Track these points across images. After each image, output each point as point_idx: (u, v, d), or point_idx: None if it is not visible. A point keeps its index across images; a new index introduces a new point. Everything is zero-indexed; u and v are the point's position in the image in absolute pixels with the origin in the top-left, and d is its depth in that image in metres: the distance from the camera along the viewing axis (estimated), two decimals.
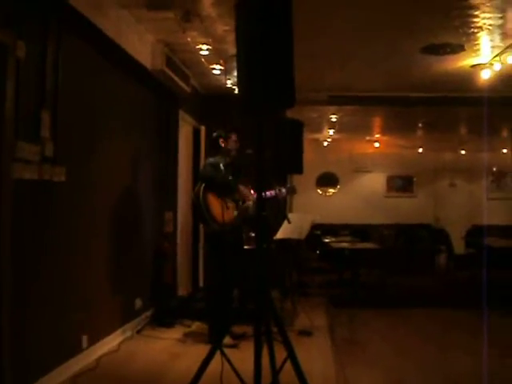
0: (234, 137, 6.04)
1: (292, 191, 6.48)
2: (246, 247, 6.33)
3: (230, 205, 5.90)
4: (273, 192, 6.02)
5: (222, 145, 6.03)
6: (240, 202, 5.96)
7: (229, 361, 3.86)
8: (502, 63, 6.76)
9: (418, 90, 8.71)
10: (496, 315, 7.26)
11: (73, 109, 4.76)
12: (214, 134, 6.17)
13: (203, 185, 5.75)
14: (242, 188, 5.94)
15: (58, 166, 4.38)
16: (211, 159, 6.01)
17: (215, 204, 5.74)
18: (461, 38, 6.15)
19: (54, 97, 4.36)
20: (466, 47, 6.48)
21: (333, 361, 5.40)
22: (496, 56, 6.73)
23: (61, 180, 4.44)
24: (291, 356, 3.71)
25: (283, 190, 6.25)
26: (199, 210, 5.74)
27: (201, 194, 5.70)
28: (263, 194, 5.39)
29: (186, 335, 6.23)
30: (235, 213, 5.92)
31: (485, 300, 7.24)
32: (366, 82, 8.36)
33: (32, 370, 4.11)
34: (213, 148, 6.19)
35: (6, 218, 3.70)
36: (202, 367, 3.77)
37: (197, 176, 6.04)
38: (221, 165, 5.93)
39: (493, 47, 6.48)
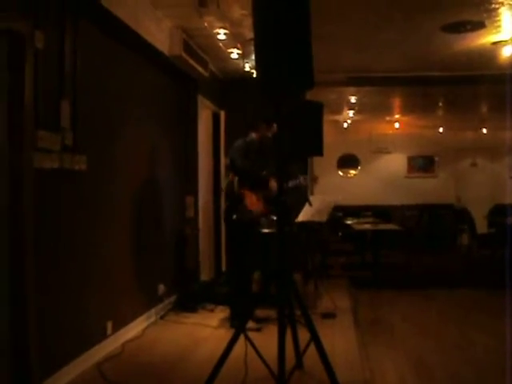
0: (263, 125, 5.95)
1: (314, 180, 6.38)
2: (267, 230, 6.31)
3: (262, 198, 5.88)
4: (296, 182, 5.97)
5: (261, 129, 5.96)
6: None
7: (252, 344, 3.88)
8: None
9: (438, 69, 8.62)
10: None
11: (92, 97, 4.78)
12: (260, 120, 6.04)
13: (236, 178, 5.75)
14: (272, 183, 5.84)
15: (78, 154, 4.40)
16: (239, 142, 5.94)
17: (249, 196, 5.75)
18: (481, 14, 6.06)
19: (73, 86, 4.37)
20: (486, 24, 6.39)
21: (356, 342, 5.40)
22: None
23: (81, 168, 4.47)
24: (314, 339, 3.73)
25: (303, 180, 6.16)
26: (233, 202, 5.77)
27: (235, 187, 5.72)
28: (287, 184, 5.44)
29: (210, 320, 6.25)
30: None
31: (507, 280, 7.19)
32: (386, 62, 8.28)
33: (57, 357, 4.17)
34: (251, 128, 6.08)
35: (28, 207, 3.74)
36: (226, 351, 3.80)
37: (230, 163, 5.96)
38: (251, 152, 5.87)
39: None
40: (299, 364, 4.33)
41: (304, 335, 3.94)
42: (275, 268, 3.86)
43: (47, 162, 3.98)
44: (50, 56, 4.08)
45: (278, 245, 3.91)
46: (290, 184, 5.89)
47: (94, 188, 4.80)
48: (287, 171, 5.02)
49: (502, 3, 5.70)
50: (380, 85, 9.39)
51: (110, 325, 5.08)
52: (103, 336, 4.96)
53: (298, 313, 3.96)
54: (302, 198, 5.48)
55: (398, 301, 7.58)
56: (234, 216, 5.79)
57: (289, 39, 3.53)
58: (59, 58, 4.22)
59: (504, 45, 7.01)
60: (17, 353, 3.69)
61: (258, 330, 5.53)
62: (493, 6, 5.77)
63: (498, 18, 6.19)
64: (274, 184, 5.82)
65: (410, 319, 6.54)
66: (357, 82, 9.19)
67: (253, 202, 5.77)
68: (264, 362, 3.82)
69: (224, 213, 6.23)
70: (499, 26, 6.48)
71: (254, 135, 5.97)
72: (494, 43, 7.10)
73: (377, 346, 5.34)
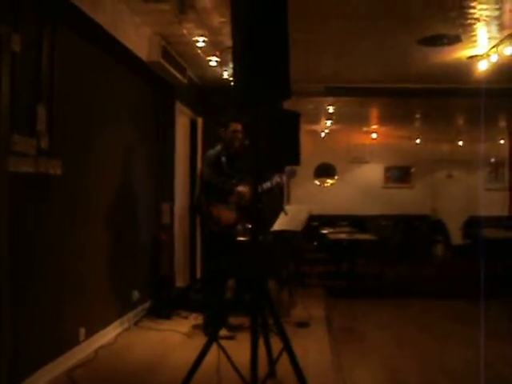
0: (234, 126, 5.87)
1: (291, 174, 6.29)
2: (242, 239, 6.32)
3: (233, 206, 5.87)
4: (269, 184, 5.95)
5: (222, 135, 5.95)
6: (241, 202, 5.87)
7: (225, 352, 3.87)
8: (498, 54, 6.75)
9: (415, 81, 8.70)
10: (492, 306, 7.28)
11: (68, 101, 4.76)
12: (219, 121, 6.02)
13: (203, 193, 5.75)
14: (239, 189, 5.84)
15: (53, 159, 4.38)
16: (211, 152, 5.93)
17: (219, 209, 5.75)
18: (457, 29, 6.14)
19: (50, 90, 4.36)
20: (462, 38, 6.48)
21: (329, 351, 5.42)
22: (493, 47, 6.72)
23: (57, 173, 4.44)
24: (287, 347, 3.73)
25: (283, 177, 6.09)
26: (202, 216, 5.78)
27: (203, 201, 5.73)
28: (260, 186, 5.41)
29: (184, 327, 6.23)
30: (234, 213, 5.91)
31: (482, 291, 7.26)
32: (363, 73, 8.35)
33: (28, 363, 4.12)
34: (217, 137, 6.07)
35: (3, 211, 3.71)
36: (199, 359, 3.79)
37: (194, 174, 5.96)
38: (223, 158, 5.87)
39: (489, 38, 6.47)
40: (272, 372, 4.32)
41: (277, 344, 3.95)
42: (249, 276, 3.87)
43: (22, 166, 3.95)
44: (27, 59, 4.06)
45: (252, 253, 3.92)
46: (264, 186, 5.86)
47: (68, 193, 4.77)
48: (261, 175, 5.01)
49: (478, 19, 5.79)
50: (357, 95, 9.46)
51: (82, 331, 5.04)
52: (76, 342, 4.93)
53: (272, 321, 3.97)
54: (276, 199, 5.46)
55: (372, 310, 7.61)
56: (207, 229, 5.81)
57: (266, 48, 3.55)
58: (36, 62, 4.20)
59: (479, 59, 7.11)
60: None
61: (232, 337, 5.52)
62: (468, 21, 5.86)
63: (473, 33, 6.28)
64: (241, 188, 5.82)
65: (385, 328, 6.57)
66: (334, 92, 9.24)
67: (223, 214, 5.77)
68: (236, 370, 3.82)
69: (199, 222, 6.24)
70: (475, 41, 6.58)
71: (225, 139, 5.95)
72: (470, 57, 7.20)
73: (351, 356, 5.35)
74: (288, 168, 5.93)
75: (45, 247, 4.37)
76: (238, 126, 5.91)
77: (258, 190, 3.93)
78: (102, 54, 5.50)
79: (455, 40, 6.53)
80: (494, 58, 6.84)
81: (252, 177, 3.99)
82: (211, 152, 5.93)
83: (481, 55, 7.03)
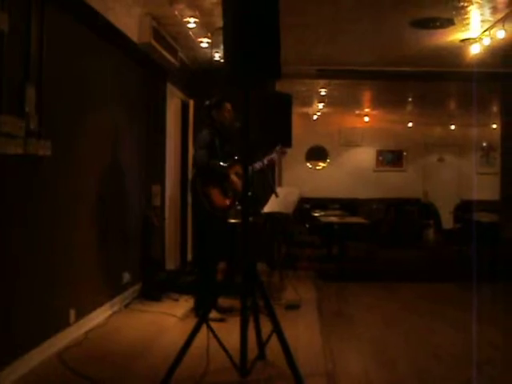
0: (228, 106, 5.89)
1: (283, 153, 6.23)
2: (233, 221, 6.31)
3: (228, 190, 5.85)
4: (260, 163, 5.92)
5: (215, 115, 5.94)
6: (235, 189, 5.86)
7: (215, 334, 3.89)
8: (491, 38, 6.72)
9: (408, 64, 8.68)
10: (483, 289, 7.31)
11: (58, 83, 4.71)
12: (207, 103, 5.97)
13: (199, 176, 5.72)
14: (232, 178, 5.82)
15: (43, 140, 4.34)
16: (204, 135, 5.89)
17: (214, 193, 5.72)
18: (450, 12, 6.12)
19: (39, 70, 4.30)
20: (455, 21, 6.45)
21: (319, 334, 5.44)
22: (485, 30, 6.69)
23: (46, 154, 4.40)
24: (277, 330, 3.75)
25: (274, 155, 6.07)
26: (198, 200, 5.74)
27: (198, 185, 5.69)
28: (252, 166, 5.40)
29: (174, 309, 6.24)
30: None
31: (472, 274, 7.29)
32: (355, 55, 8.32)
33: (19, 345, 4.11)
34: (206, 118, 6.05)
35: None
36: (189, 341, 3.80)
37: (185, 156, 5.91)
38: (216, 141, 5.84)
39: (482, 21, 6.44)
40: (261, 355, 4.33)
41: (268, 326, 3.96)
42: (240, 258, 3.87)
43: (11, 148, 3.91)
44: (15, 39, 4.01)
45: (242, 235, 3.91)
46: (256, 165, 5.83)
47: (58, 174, 4.74)
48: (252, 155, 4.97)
49: (471, 1, 5.76)
50: (350, 78, 9.44)
51: (72, 313, 5.03)
52: (66, 324, 4.92)
53: (262, 304, 3.97)
54: (267, 181, 5.42)
55: (363, 293, 7.63)
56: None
57: (257, 29, 3.54)
58: (25, 42, 4.15)
59: (472, 43, 7.09)
60: None
61: (222, 320, 5.53)
62: (462, 3, 5.83)
63: (466, 16, 6.26)
64: (235, 178, 5.80)
65: (375, 311, 6.59)
66: (326, 74, 9.21)
67: (218, 197, 5.75)
68: (226, 352, 3.83)
69: (192, 206, 6.21)
70: (468, 24, 6.56)
71: (218, 120, 5.92)
72: (463, 41, 7.18)
73: (340, 338, 5.36)
74: (278, 147, 5.90)
75: (34, 229, 4.35)
76: (230, 106, 5.91)
77: (248, 173, 3.92)
78: (93, 34, 5.44)
79: (448, 23, 6.51)
80: (487, 42, 6.82)
81: (243, 158, 3.98)
82: (204, 134, 5.88)
83: (473, 38, 7.01)
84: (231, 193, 5.82)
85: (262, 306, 4.00)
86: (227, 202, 5.82)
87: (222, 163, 5.78)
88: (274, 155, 5.99)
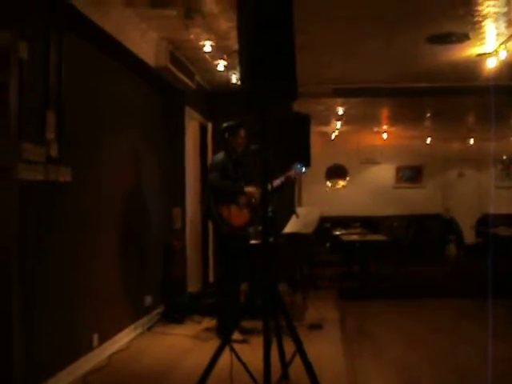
0: (242, 132, 5.92)
1: (300, 171, 6.09)
2: (254, 242, 6.31)
3: (244, 206, 5.86)
4: (278, 181, 5.89)
5: (229, 140, 5.96)
6: (253, 200, 5.86)
7: (238, 356, 3.87)
8: (507, 51, 6.71)
9: (425, 80, 8.67)
10: (506, 305, 7.23)
11: (77, 108, 4.77)
12: (222, 126, 6.01)
13: (212, 198, 5.73)
14: (248, 189, 5.84)
15: (63, 166, 4.39)
16: (217, 158, 5.94)
17: (229, 211, 5.72)
18: (466, 26, 6.10)
19: (58, 97, 4.37)
20: (471, 36, 6.44)
21: (343, 353, 5.40)
22: (501, 44, 6.67)
23: (67, 180, 4.45)
24: (300, 350, 3.72)
25: (291, 172, 5.95)
26: (213, 219, 5.76)
27: (212, 206, 5.70)
28: (270, 184, 5.39)
29: (197, 331, 6.23)
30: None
31: (493, 290, 7.21)
32: (372, 73, 8.32)
33: (43, 370, 4.14)
34: (221, 142, 6.09)
35: (12, 219, 3.72)
36: (212, 363, 3.78)
37: (205, 179, 5.92)
38: (229, 164, 5.86)
39: (498, 35, 6.42)
40: (285, 375, 4.31)
41: (290, 347, 3.94)
42: (261, 279, 3.86)
43: (32, 174, 3.96)
44: (35, 67, 4.07)
45: (263, 256, 3.91)
46: (274, 183, 5.79)
47: (79, 200, 4.79)
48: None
49: (486, 16, 5.75)
50: (366, 96, 9.43)
51: (96, 337, 5.05)
52: (89, 348, 4.94)
53: (284, 324, 3.96)
54: (287, 202, 5.40)
55: (385, 311, 7.58)
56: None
57: (273, 50, 3.55)
58: (44, 69, 4.22)
59: (488, 57, 7.07)
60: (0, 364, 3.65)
61: (244, 341, 5.52)
62: (476, 18, 5.82)
63: (482, 31, 6.24)
64: (250, 189, 5.82)
65: (397, 329, 6.54)
66: (343, 93, 9.22)
67: (234, 215, 5.76)
68: (250, 373, 3.81)
69: (213, 229, 6.22)
70: (483, 39, 6.54)
71: (231, 145, 5.95)
72: (479, 55, 7.16)
73: (363, 357, 5.34)
74: (297, 166, 5.88)
75: (56, 254, 4.39)
76: (244, 133, 5.94)
77: (267, 194, 3.92)
78: (110, 60, 5.52)
79: (464, 38, 6.49)
80: (503, 55, 6.80)
81: (262, 180, 3.98)
82: (217, 159, 5.96)
83: (489, 53, 6.99)
84: (249, 206, 5.83)
85: (285, 326, 3.99)
86: (244, 216, 5.83)
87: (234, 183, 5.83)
88: (291, 172, 5.96)
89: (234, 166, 5.91)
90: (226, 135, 5.94)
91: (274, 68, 3.59)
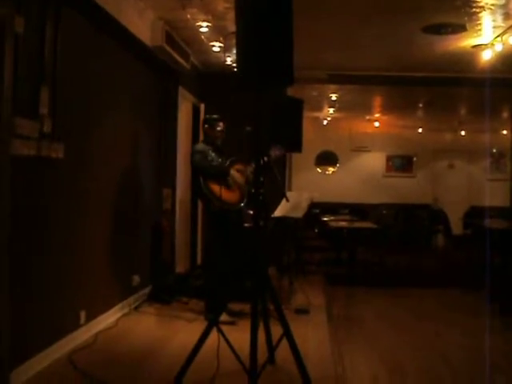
0: (220, 125, 6.01)
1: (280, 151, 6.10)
2: (246, 225, 6.32)
3: (235, 186, 5.87)
4: (277, 151, 5.81)
5: (208, 131, 6.02)
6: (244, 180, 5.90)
7: (225, 337, 3.90)
8: (503, 43, 6.71)
9: (419, 69, 8.68)
10: (491, 296, 7.29)
11: (72, 85, 4.75)
12: (203, 118, 6.12)
13: (201, 178, 5.73)
14: (232, 172, 5.86)
15: (56, 142, 4.37)
16: (198, 146, 6.01)
17: (218, 189, 5.72)
18: (462, 17, 6.10)
19: (53, 72, 4.34)
20: (467, 27, 6.44)
21: (329, 338, 5.44)
22: (498, 36, 6.68)
23: (59, 156, 4.43)
24: (287, 333, 3.76)
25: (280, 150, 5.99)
26: (204, 196, 5.75)
27: (202, 184, 5.69)
28: (272, 154, 5.41)
29: (184, 312, 6.25)
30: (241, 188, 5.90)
31: (481, 281, 7.28)
32: (367, 61, 8.32)
33: (29, 346, 4.14)
34: (208, 123, 6.13)
35: (4, 194, 3.70)
36: (199, 343, 3.82)
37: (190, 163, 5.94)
38: (210, 152, 5.89)
39: (494, 27, 6.42)
40: (271, 359, 4.34)
41: (277, 330, 3.97)
42: (251, 262, 3.88)
43: (24, 149, 3.95)
44: (31, 42, 4.04)
45: (253, 239, 3.93)
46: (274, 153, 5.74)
47: (70, 176, 4.77)
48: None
49: (483, 7, 5.75)
50: (361, 83, 9.43)
51: (83, 314, 5.06)
52: (76, 326, 4.94)
53: (272, 307, 3.98)
54: (277, 185, 5.35)
55: (372, 298, 7.64)
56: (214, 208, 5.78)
57: (270, 34, 3.55)
58: (39, 44, 4.18)
59: (484, 49, 7.07)
60: None
61: (232, 323, 5.55)
62: (474, 9, 5.82)
63: (478, 22, 6.24)
64: (235, 173, 5.85)
65: (384, 316, 6.60)
66: (337, 79, 9.22)
67: (225, 192, 5.76)
68: (236, 355, 3.83)
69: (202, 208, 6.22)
70: (480, 30, 6.54)
71: (210, 137, 6.01)
72: (475, 46, 7.16)
73: (350, 343, 5.38)
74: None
75: (46, 230, 4.38)
76: (222, 125, 6.02)
77: (260, 178, 3.93)
78: (106, 37, 5.48)
79: (460, 29, 6.50)
80: (499, 48, 6.81)
81: (255, 164, 3.99)
82: (197, 146, 6.07)
83: (485, 44, 6.99)
84: (235, 187, 5.86)
85: (272, 309, 4.02)
86: (235, 195, 5.85)
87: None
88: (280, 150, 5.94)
89: (215, 154, 5.93)
90: (206, 126, 6.01)
91: (270, 52, 3.59)
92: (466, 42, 7.03)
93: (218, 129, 5.99)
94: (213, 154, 5.87)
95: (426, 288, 8.48)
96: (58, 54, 4.37)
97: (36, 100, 4.14)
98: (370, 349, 5.23)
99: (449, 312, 6.91)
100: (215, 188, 5.69)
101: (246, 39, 3.69)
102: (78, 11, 4.76)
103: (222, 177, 5.77)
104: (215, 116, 6.09)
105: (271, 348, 4.33)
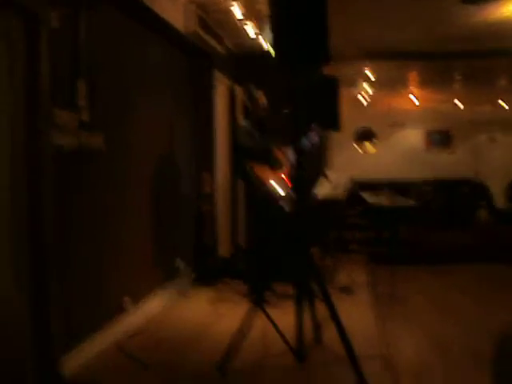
0: (260, 95, 5.95)
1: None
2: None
3: (279, 167, 5.86)
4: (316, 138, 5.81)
5: (249, 106, 5.96)
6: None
7: (271, 319, 3.91)
8: None
9: (458, 42, 8.49)
10: None
11: (107, 75, 4.78)
12: (247, 90, 6.07)
13: (246, 160, 5.71)
14: (278, 154, 5.84)
15: (95, 132, 4.42)
16: (245, 125, 5.97)
17: (261, 171, 5.71)
18: None
19: (89, 64, 4.37)
20: None
21: (373, 317, 5.42)
22: None
23: (98, 145, 4.48)
24: (333, 314, 3.75)
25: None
26: (247, 182, 5.75)
27: (247, 167, 5.69)
28: (311, 140, 5.39)
29: (228, 295, 6.29)
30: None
31: None
32: (404, 36, 8.17)
33: (75, 333, 4.19)
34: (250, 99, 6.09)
35: (47, 184, 3.75)
36: (245, 325, 3.83)
37: (235, 144, 5.92)
38: (255, 131, 5.86)
39: None
40: (317, 339, 4.35)
41: (321, 310, 3.96)
42: (294, 243, 3.87)
43: (65, 140, 4.00)
44: (65, 35, 4.08)
45: (296, 220, 3.92)
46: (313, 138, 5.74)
47: (111, 165, 4.82)
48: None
49: None
50: (398, 59, 9.29)
51: (127, 300, 5.11)
52: (121, 311, 5.00)
53: (316, 288, 3.98)
54: (316, 164, 5.32)
55: (415, 276, 7.58)
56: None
57: (305, 14, 3.52)
58: (74, 37, 4.22)
59: None
60: (39, 326, 3.71)
61: (276, 305, 5.56)
62: None
63: None
64: (278, 154, 5.83)
65: (428, 294, 6.54)
66: (374, 56, 9.09)
67: (267, 175, 5.74)
68: (282, 336, 3.85)
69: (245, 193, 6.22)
70: None
71: (253, 111, 5.95)
72: None
73: (394, 321, 5.35)
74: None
75: (89, 219, 4.44)
76: (263, 95, 5.98)
77: (300, 159, 3.92)
78: (139, 26, 5.50)
79: None
80: None
81: (294, 145, 3.97)
82: (245, 127, 6.03)
83: None
84: (279, 166, 5.84)
85: (317, 289, 4.01)
86: (280, 175, 5.83)
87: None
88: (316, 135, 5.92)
89: (262, 135, 5.89)
90: (247, 103, 5.94)
91: (305, 32, 3.55)
92: (507, 9, 6.83)
93: (260, 100, 5.93)
94: (257, 135, 5.84)
95: (470, 264, 8.37)
96: (92, 45, 4.41)
97: (73, 92, 4.18)
98: (415, 327, 5.20)
99: (494, 289, 6.81)
100: (261, 172, 5.68)
101: (280, 20, 3.67)
102: (110, 1, 4.77)
103: (268, 158, 5.76)
104: (252, 85, 6.04)
105: (317, 328, 4.33)
